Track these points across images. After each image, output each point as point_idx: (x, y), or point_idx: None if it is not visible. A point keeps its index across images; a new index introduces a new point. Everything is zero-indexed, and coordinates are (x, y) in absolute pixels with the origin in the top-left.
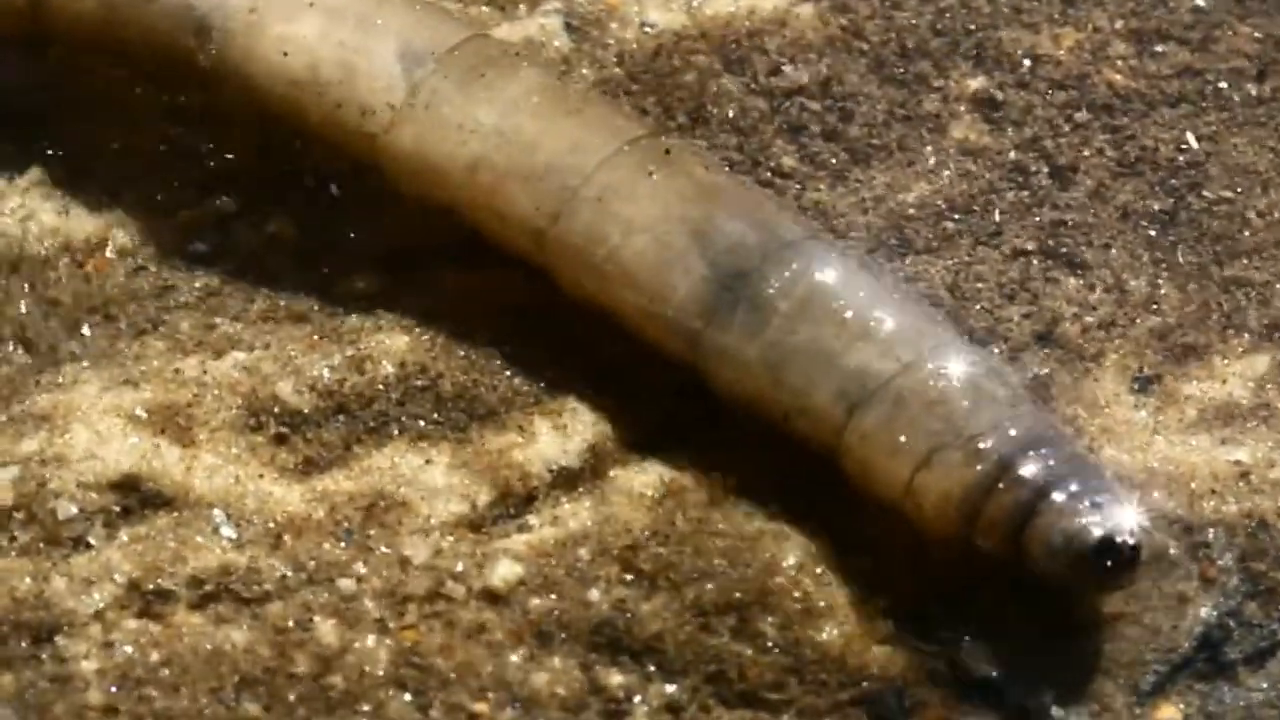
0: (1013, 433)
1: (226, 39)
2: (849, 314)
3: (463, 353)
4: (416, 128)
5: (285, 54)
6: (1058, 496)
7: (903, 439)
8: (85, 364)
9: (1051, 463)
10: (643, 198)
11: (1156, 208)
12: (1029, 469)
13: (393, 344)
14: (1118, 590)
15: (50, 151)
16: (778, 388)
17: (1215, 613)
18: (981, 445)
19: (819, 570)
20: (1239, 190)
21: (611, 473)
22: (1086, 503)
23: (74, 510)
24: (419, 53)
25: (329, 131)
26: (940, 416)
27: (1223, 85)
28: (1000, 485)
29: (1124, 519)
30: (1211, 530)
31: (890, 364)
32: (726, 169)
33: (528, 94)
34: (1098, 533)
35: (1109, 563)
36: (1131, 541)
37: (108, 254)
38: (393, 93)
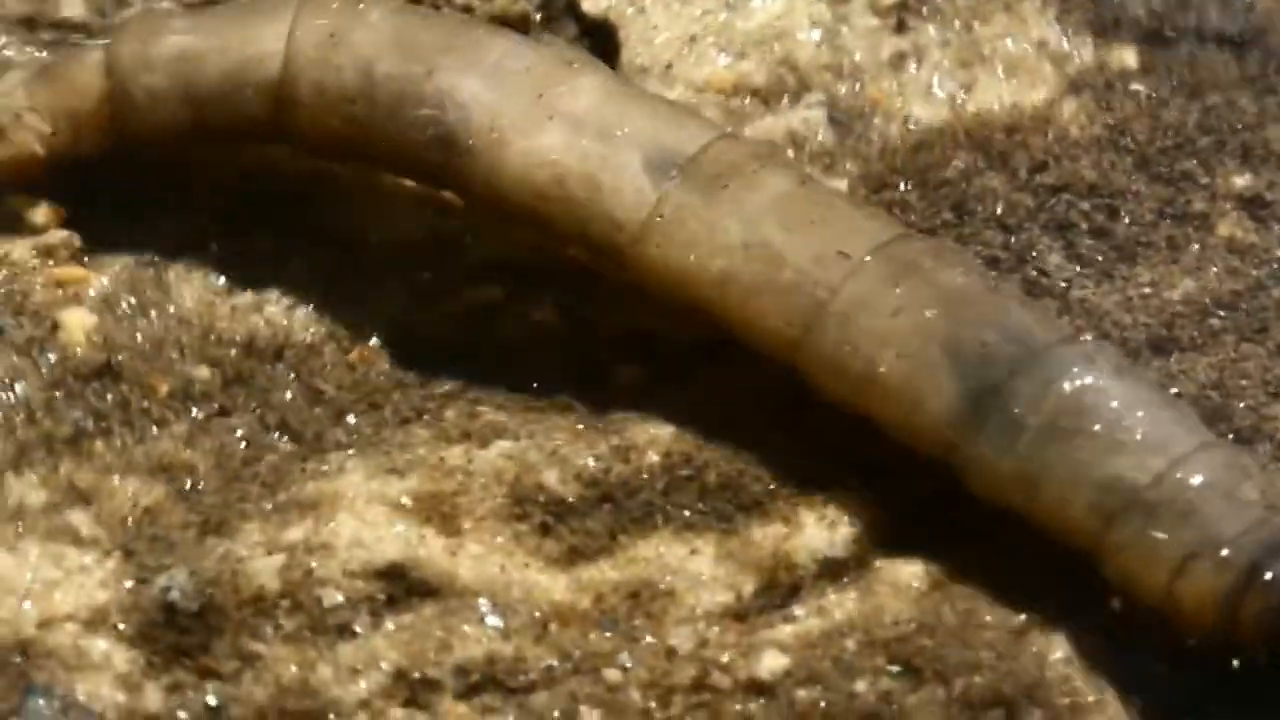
0: (1263, 536)
1: (472, 154)
2: (1099, 426)
3: (727, 443)
4: (664, 242)
5: (530, 169)
6: None
7: (1158, 549)
8: (351, 452)
9: None
10: (890, 311)
11: None
12: (1276, 570)
13: (657, 433)
14: None
15: (315, 240)
16: (1033, 501)
17: None
18: (1232, 552)
19: (1088, 664)
20: None
21: (877, 564)
22: None
23: (340, 598)
24: (664, 162)
25: (577, 242)
26: (1193, 525)
27: None
28: (1251, 590)
29: None
30: None
31: (1142, 475)
32: (982, 267)
33: (772, 203)
34: None
35: None
36: None
37: (372, 343)
38: (639, 206)
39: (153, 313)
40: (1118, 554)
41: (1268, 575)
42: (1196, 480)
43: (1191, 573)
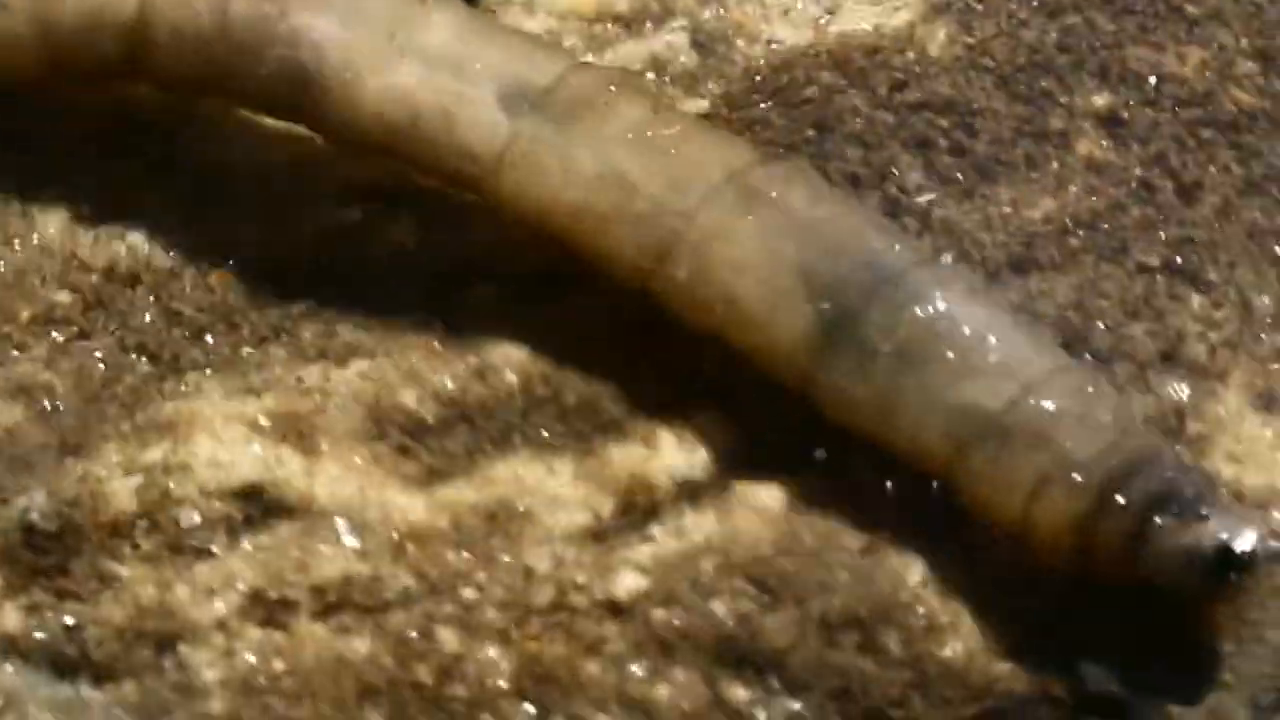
0: (1114, 461)
1: (327, 93)
2: (952, 352)
3: (586, 364)
4: (518, 175)
5: (384, 106)
6: (1162, 519)
7: (1011, 475)
8: (208, 372)
9: (1152, 485)
10: (745, 238)
11: None
12: (1131, 495)
13: (516, 354)
14: (1244, 594)
15: (176, 167)
16: (887, 427)
17: None
18: (1084, 476)
19: (942, 585)
20: None
21: (736, 486)
22: (1192, 518)
23: (197, 519)
24: (517, 95)
25: (434, 175)
26: (1046, 450)
27: None
28: (1105, 515)
29: (1232, 525)
30: None
31: (995, 401)
32: (837, 191)
33: (625, 132)
34: (1210, 546)
35: (1229, 571)
36: (1246, 546)
37: (231, 265)
38: (493, 140)
39: (16, 243)
40: (972, 480)
41: (1119, 499)
42: (1050, 405)
43: (1045, 498)
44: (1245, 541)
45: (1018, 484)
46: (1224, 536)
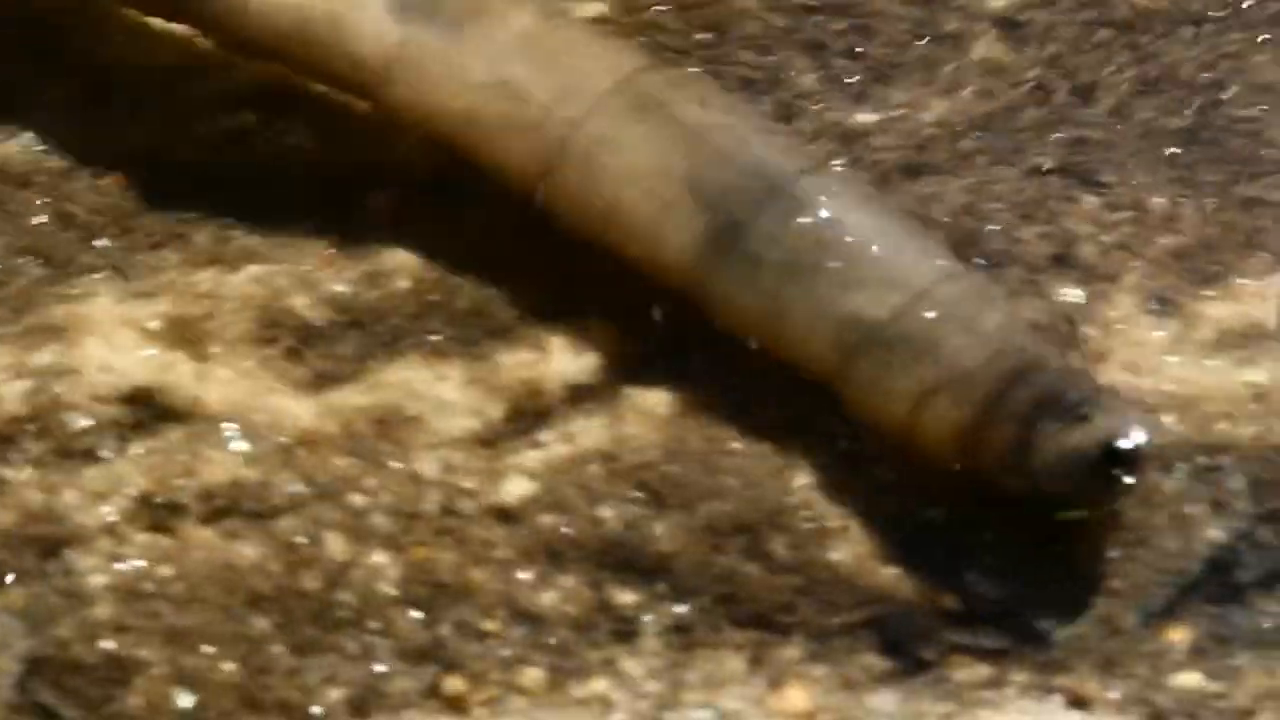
0: (1000, 368)
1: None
2: (839, 261)
3: (477, 270)
4: (407, 82)
5: (273, 11)
6: (1046, 424)
7: (897, 384)
8: (100, 276)
9: (1037, 391)
10: (633, 147)
11: (1177, 126)
12: (1015, 402)
13: (407, 259)
14: (1131, 492)
15: (68, 68)
16: (776, 337)
17: (1226, 535)
18: (969, 385)
19: (830, 491)
20: (1261, 109)
21: (625, 391)
22: (1076, 420)
23: (86, 423)
24: (405, 1)
25: (324, 82)
26: (932, 359)
27: (1246, 4)
28: (990, 423)
29: (1117, 424)
30: (1224, 453)
31: (880, 309)
32: (727, 98)
33: (514, 39)
34: (1095, 445)
35: (1116, 470)
36: (1131, 443)
37: (124, 168)
38: (382, 46)
39: None
40: (859, 389)
41: (1004, 406)
42: (936, 314)
43: (931, 407)
44: (1130, 439)
45: (903, 393)
46: (1108, 435)
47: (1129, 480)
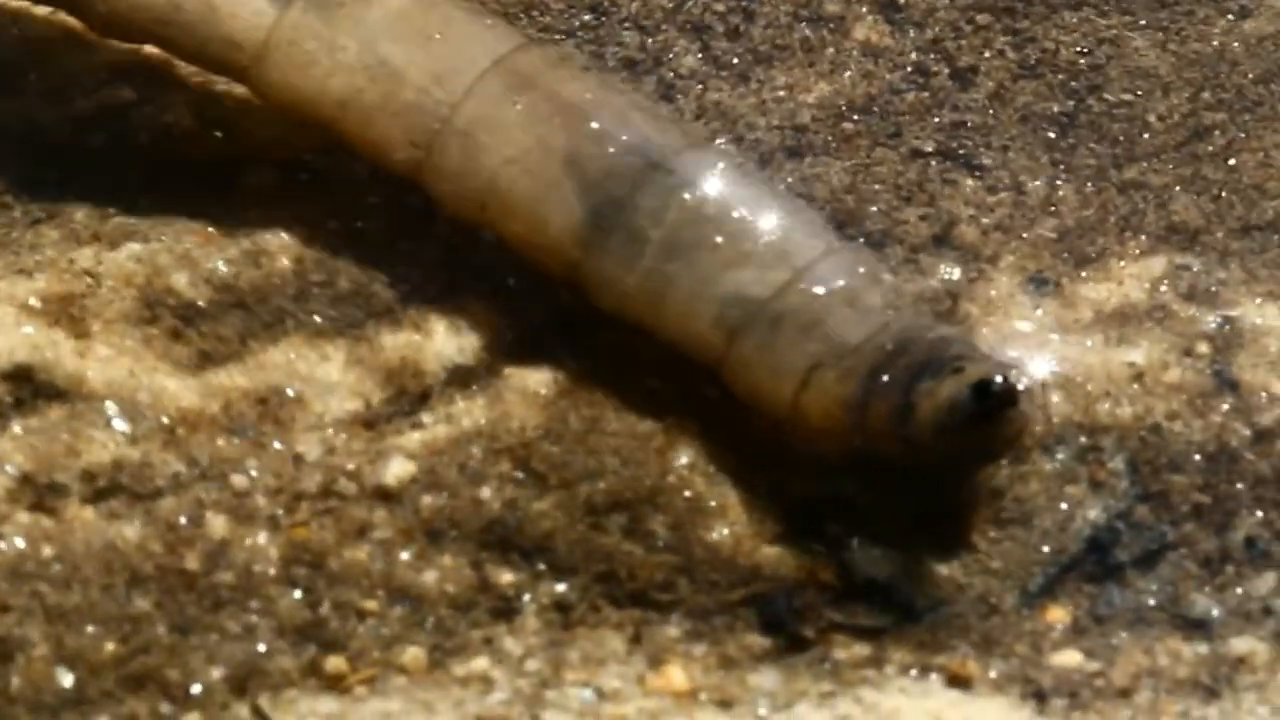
0: (884, 342)
1: None
2: (721, 238)
3: (360, 250)
4: (282, 64)
5: None
6: (923, 382)
7: (782, 362)
8: None
9: (915, 356)
10: (510, 127)
11: (1056, 110)
12: (895, 370)
13: (290, 239)
14: (1019, 431)
15: None
16: (657, 315)
17: (1105, 515)
18: (854, 360)
19: (710, 470)
20: (1139, 93)
21: (506, 371)
22: (950, 372)
23: None
24: None
25: (200, 64)
26: (816, 335)
27: None
28: (874, 395)
29: (989, 368)
30: (1104, 433)
31: (763, 287)
32: (605, 76)
33: (390, 20)
34: (968, 385)
35: (990, 408)
36: (1002, 378)
37: (3, 145)
38: (257, 27)
39: None
40: (743, 368)
41: (885, 378)
42: (819, 290)
43: (817, 384)
44: (1001, 379)
45: (789, 371)
46: (981, 377)
47: (1006, 419)
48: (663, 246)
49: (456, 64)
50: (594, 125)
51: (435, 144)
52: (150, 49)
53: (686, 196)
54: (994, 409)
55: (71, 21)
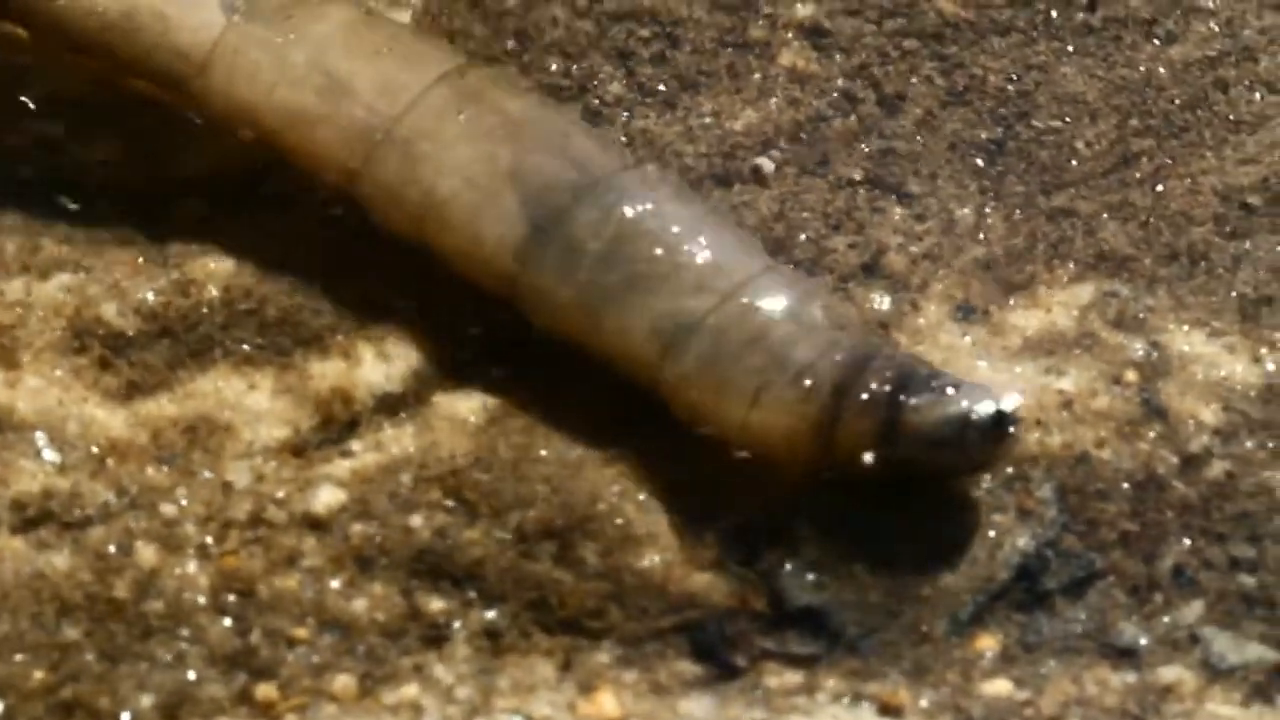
0: (839, 357)
1: None
2: (660, 250)
3: (287, 278)
4: (228, 72)
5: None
6: (914, 400)
7: (727, 379)
8: None
9: (891, 373)
10: (453, 139)
11: (984, 137)
12: (871, 387)
13: (217, 268)
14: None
15: None
16: (594, 329)
17: (1033, 543)
18: (812, 377)
19: (641, 497)
20: (1067, 120)
21: (435, 398)
22: (943, 392)
23: None
24: None
25: (144, 74)
26: (762, 351)
27: (1053, 14)
28: (847, 412)
29: (981, 392)
30: (1032, 461)
31: (704, 300)
32: (545, 97)
33: (336, 33)
34: (984, 407)
35: (999, 431)
36: (1010, 405)
37: None
38: (204, 37)
39: None
40: (684, 385)
41: (860, 394)
42: (760, 304)
43: (770, 403)
44: (1009, 401)
45: (736, 389)
46: (987, 400)
47: (1010, 442)
48: (601, 259)
49: (401, 76)
50: (537, 139)
51: (376, 155)
52: (81, 81)
53: (626, 211)
54: (1004, 425)
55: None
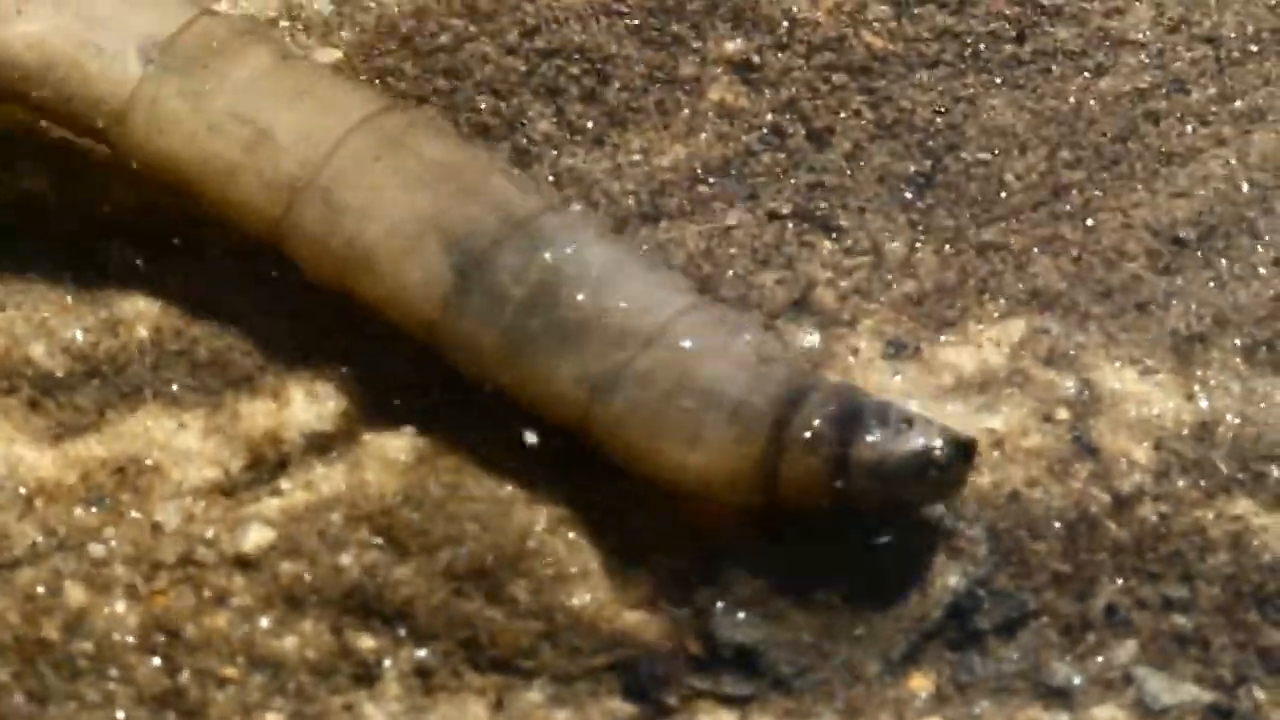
0: (773, 391)
1: None
2: (583, 295)
3: (217, 318)
4: (146, 122)
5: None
6: (868, 435)
7: (661, 422)
8: None
9: (833, 407)
10: (373, 185)
11: (913, 170)
12: (814, 422)
13: (147, 308)
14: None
15: None
16: (522, 376)
17: (965, 582)
18: (749, 414)
19: (572, 535)
20: (996, 153)
21: (365, 437)
22: (896, 427)
23: None
24: (144, 43)
25: (65, 124)
26: (693, 391)
27: (981, 47)
28: (790, 447)
29: (933, 426)
30: (963, 500)
31: (630, 343)
32: (464, 139)
33: (254, 80)
34: (943, 441)
35: (962, 463)
36: (966, 436)
37: None
38: (121, 87)
39: None
40: (616, 428)
41: (802, 430)
42: (688, 343)
43: (712, 444)
44: (964, 433)
45: (670, 432)
46: (942, 434)
47: (966, 467)
48: (524, 305)
49: (320, 122)
50: (459, 184)
51: (296, 202)
52: (7, 115)
53: (548, 256)
54: (961, 458)
55: None
